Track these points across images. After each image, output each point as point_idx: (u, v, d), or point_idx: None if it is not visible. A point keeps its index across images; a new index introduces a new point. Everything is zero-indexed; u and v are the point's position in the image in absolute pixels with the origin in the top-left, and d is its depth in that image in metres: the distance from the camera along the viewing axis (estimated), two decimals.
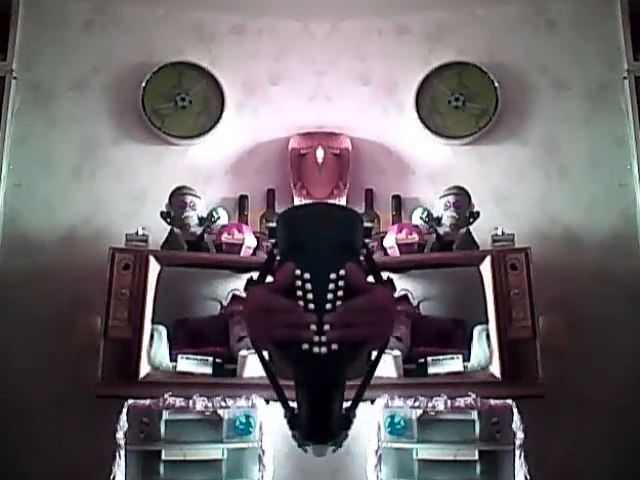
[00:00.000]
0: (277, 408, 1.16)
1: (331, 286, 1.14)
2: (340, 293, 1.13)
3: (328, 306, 1.12)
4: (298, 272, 1.16)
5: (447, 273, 2.83)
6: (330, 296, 1.13)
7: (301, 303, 1.14)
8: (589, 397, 2.86)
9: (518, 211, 3.09)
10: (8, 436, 2.82)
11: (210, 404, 2.52)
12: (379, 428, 2.52)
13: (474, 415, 2.55)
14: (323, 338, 1.10)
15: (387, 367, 2.59)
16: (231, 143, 3.24)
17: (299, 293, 1.14)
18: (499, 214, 3.03)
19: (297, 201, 3.05)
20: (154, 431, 2.55)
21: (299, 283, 1.15)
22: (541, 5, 3.33)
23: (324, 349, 1.09)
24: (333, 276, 1.14)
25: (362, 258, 1.22)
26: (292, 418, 1.17)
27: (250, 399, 2.54)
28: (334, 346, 1.10)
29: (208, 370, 2.65)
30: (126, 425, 2.47)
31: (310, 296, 1.14)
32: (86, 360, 2.58)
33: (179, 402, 2.51)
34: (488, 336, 2.66)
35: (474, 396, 2.51)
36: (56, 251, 3.04)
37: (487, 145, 3.21)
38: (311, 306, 1.13)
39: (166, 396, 2.51)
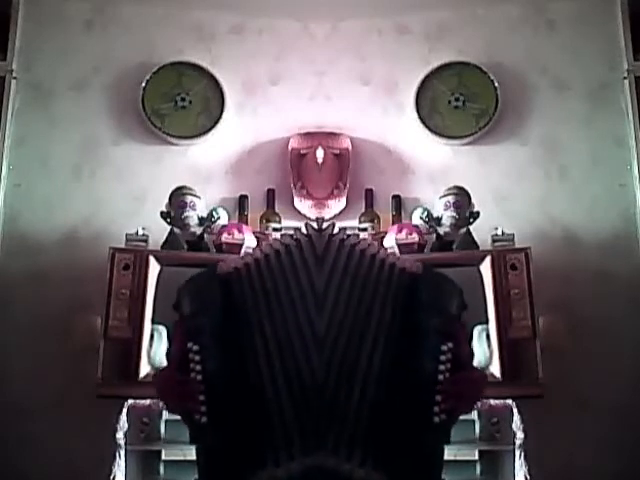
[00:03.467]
0: None
1: (442, 357, 1.26)
2: (449, 365, 1.26)
3: (440, 377, 1.25)
4: (189, 345, 1.27)
5: (447, 273, 2.82)
6: (442, 367, 1.25)
7: (193, 375, 1.25)
8: (589, 397, 2.86)
9: (518, 211, 3.09)
10: (8, 436, 2.82)
11: None
12: None
13: (474, 415, 2.55)
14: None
15: None
16: (231, 143, 3.24)
17: (191, 365, 1.25)
18: (499, 214, 3.03)
19: (297, 201, 3.05)
20: (154, 431, 2.55)
21: (190, 355, 1.26)
22: (541, 5, 3.33)
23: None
24: (444, 348, 1.27)
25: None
26: None
27: None
28: (443, 416, 1.22)
29: None
30: (126, 425, 2.47)
31: (199, 367, 1.25)
32: (86, 360, 2.57)
33: None
34: (488, 336, 2.65)
35: None
36: (56, 251, 3.04)
37: (487, 145, 3.21)
38: (199, 377, 1.24)
39: None
